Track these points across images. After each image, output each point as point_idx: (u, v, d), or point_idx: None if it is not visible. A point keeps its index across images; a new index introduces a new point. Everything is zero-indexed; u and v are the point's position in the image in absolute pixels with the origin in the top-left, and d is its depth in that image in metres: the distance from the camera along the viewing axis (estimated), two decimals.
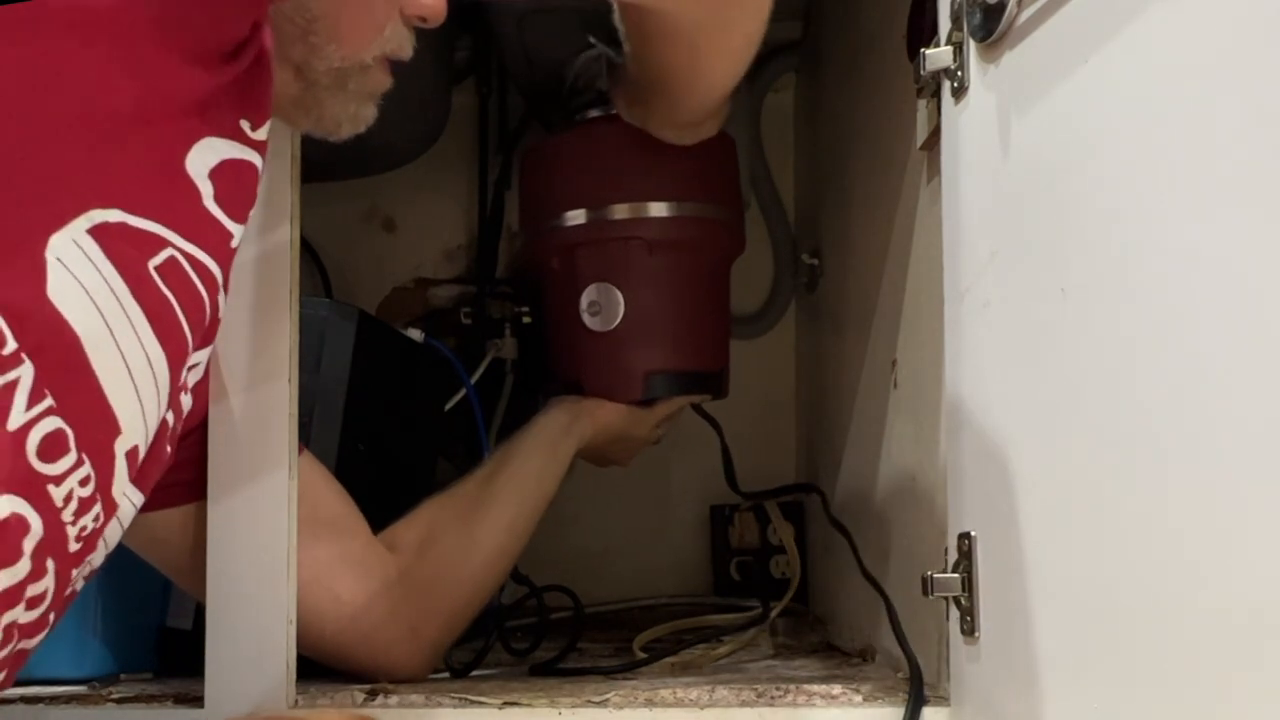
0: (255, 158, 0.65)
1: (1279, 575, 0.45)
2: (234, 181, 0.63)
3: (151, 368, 0.58)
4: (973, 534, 0.69)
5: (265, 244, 0.77)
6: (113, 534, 0.66)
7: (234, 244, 0.64)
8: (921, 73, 0.74)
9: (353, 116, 0.74)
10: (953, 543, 0.71)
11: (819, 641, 1.13)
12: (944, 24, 0.72)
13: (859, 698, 0.76)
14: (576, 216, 1.08)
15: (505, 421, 1.27)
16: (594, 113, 1.07)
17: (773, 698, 0.76)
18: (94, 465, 0.57)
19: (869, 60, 1.03)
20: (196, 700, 0.78)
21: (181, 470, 0.78)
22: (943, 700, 0.74)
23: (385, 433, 1.07)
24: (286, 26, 0.68)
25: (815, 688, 0.76)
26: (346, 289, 1.39)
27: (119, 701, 0.82)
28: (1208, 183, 0.49)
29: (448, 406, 1.18)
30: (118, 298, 0.56)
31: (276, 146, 0.77)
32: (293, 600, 0.77)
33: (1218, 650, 0.48)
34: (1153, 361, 0.52)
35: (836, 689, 0.76)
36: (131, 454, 0.59)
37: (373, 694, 0.78)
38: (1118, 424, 0.55)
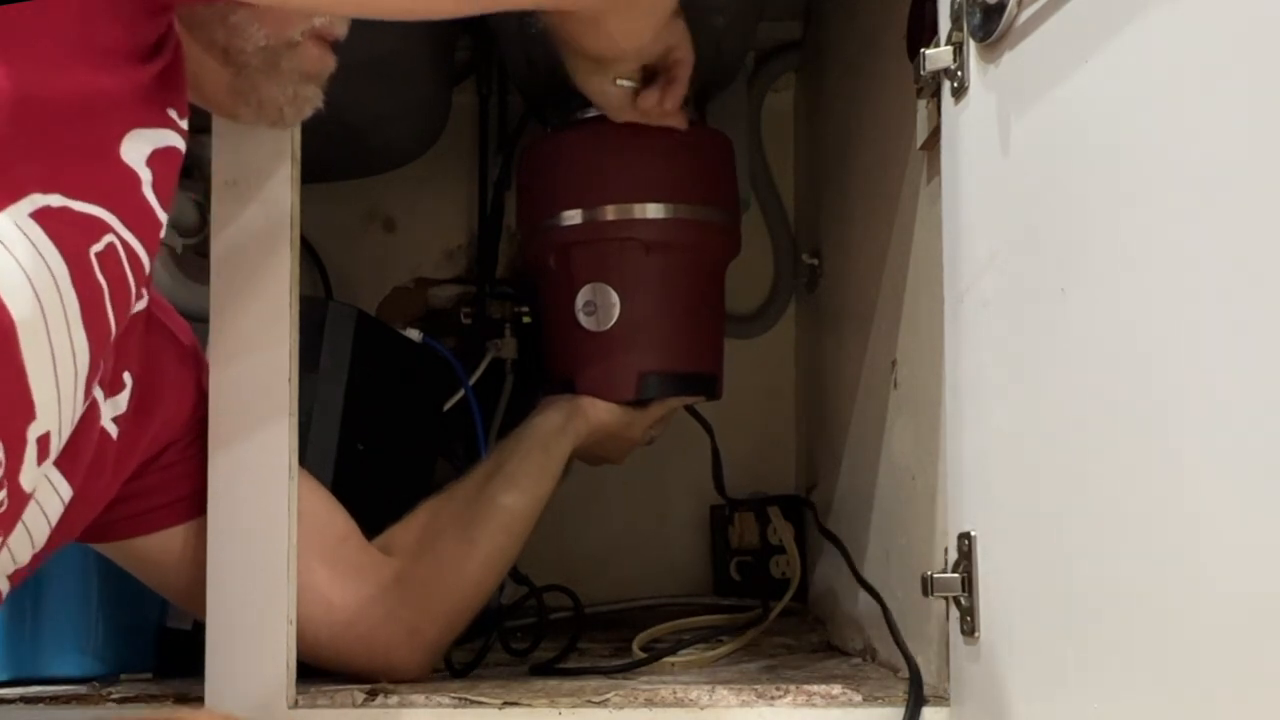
0: (182, 144, 0.64)
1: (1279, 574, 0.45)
2: (166, 169, 0.62)
3: (74, 355, 0.58)
4: (973, 534, 0.69)
5: (265, 244, 0.77)
6: (37, 527, 0.65)
7: (162, 234, 0.63)
8: (921, 73, 0.74)
9: (292, 99, 0.72)
10: (953, 543, 0.71)
11: (819, 641, 1.13)
12: (944, 24, 0.72)
13: (859, 698, 0.76)
14: (573, 216, 1.08)
15: (505, 422, 1.27)
16: (593, 112, 1.07)
17: (773, 698, 0.76)
18: (6, 449, 0.57)
19: (869, 60, 1.03)
20: (197, 700, 0.78)
21: (169, 490, 0.78)
22: (943, 700, 0.74)
23: (384, 433, 1.07)
24: (205, 11, 0.67)
25: (815, 688, 0.77)
26: (346, 289, 1.38)
27: (119, 701, 0.82)
28: (1208, 182, 0.49)
29: (447, 406, 1.18)
30: (56, 283, 0.56)
31: (276, 146, 0.77)
32: (293, 601, 0.77)
33: (1218, 649, 0.48)
34: (1152, 361, 0.52)
35: (836, 689, 0.76)
36: (43, 440, 0.59)
37: (373, 694, 0.78)
38: (1117, 423, 0.55)
